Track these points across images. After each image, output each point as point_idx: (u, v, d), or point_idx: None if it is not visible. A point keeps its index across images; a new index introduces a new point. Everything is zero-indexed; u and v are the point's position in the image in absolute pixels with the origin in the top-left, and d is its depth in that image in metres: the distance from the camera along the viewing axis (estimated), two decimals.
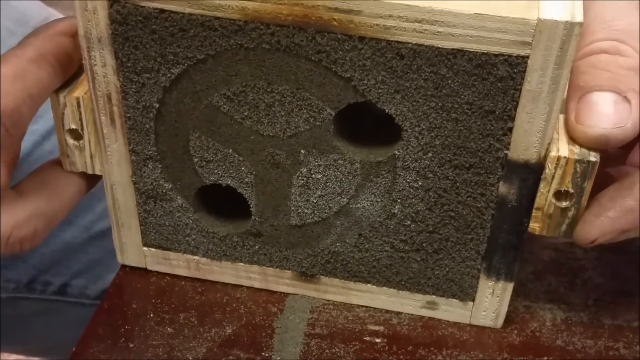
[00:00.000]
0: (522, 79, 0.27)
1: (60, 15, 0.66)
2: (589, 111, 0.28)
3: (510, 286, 0.33)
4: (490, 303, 0.33)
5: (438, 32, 0.26)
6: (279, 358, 0.33)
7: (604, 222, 0.30)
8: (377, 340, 0.34)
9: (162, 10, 0.28)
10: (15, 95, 0.28)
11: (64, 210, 0.33)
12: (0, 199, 0.31)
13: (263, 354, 0.33)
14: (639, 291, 0.36)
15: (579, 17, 0.25)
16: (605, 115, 0.28)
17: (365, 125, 0.31)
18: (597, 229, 0.30)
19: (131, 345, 0.33)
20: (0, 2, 0.54)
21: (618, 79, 0.29)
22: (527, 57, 0.26)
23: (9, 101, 0.27)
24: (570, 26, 0.25)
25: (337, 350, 0.33)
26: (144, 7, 0.28)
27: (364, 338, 0.34)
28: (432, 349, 0.33)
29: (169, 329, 0.34)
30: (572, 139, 0.29)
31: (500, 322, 0.34)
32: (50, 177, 0.33)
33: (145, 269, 0.37)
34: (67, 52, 0.30)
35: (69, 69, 0.30)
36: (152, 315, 0.35)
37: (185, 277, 0.36)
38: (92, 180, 0.34)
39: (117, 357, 0.33)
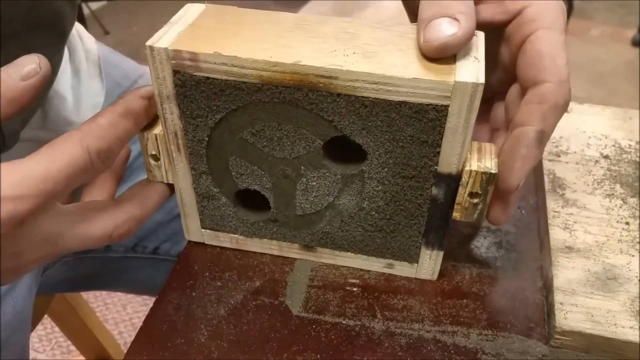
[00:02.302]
0: (445, 120, 0.25)
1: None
2: (430, 32, 0.25)
3: (441, 253, 0.31)
4: (428, 264, 0.32)
5: (389, 90, 0.25)
6: (290, 301, 0.32)
7: (519, 167, 0.27)
8: (355, 289, 0.32)
9: (208, 78, 0.27)
10: (109, 139, 0.26)
11: (150, 213, 0.31)
12: (106, 208, 0.29)
13: (280, 299, 0.32)
14: (531, 255, 0.35)
15: (481, 79, 0.24)
16: (441, 31, 0.25)
17: (345, 149, 0.29)
18: (517, 176, 0.27)
19: (194, 294, 0.32)
20: (111, 65, 0.53)
21: (447, 7, 0.25)
22: (448, 106, 0.25)
23: (105, 143, 0.26)
24: (475, 86, 0.24)
25: (328, 296, 0.32)
26: (196, 75, 0.27)
27: (346, 288, 0.32)
28: (390, 294, 0.32)
29: (218, 282, 0.33)
30: (424, 56, 0.25)
31: (435, 276, 0.33)
32: (140, 191, 0.31)
33: (203, 244, 0.35)
34: (145, 109, 0.28)
35: (145, 120, 0.29)
36: (207, 274, 0.33)
37: (229, 249, 0.35)
38: (172, 188, 0.33)
39: (185, 301, 0.32)
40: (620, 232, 0.33)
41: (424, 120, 0.26)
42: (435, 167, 0.27)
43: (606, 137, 0.41)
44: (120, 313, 1.21)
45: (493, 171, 0.27)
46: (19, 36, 0.32)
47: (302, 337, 0.30)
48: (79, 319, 0.75)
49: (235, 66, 0.26)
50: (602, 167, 0.38)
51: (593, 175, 0.37)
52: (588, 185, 0.36)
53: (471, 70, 0.25)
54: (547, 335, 0.29)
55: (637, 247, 0.32)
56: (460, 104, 0.25)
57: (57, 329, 1.08)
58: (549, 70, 0.27)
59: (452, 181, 0.28)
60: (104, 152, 0.26)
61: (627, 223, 0.34)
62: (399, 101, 0.25)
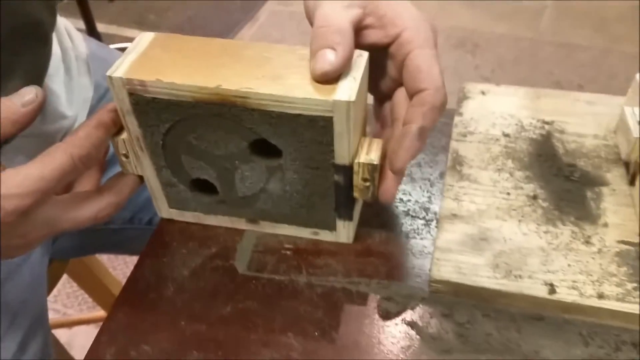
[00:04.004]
0: (332, 127, 0.32)
1: None
2: (315, 62, 0.32)
3: (351, 223, 0.39)
4: (343, 232, 0.40)
5: (288, 105, 0.32)
6: (237, 263, 0.40)
7: (403, 155, 0.33)
8: (288, 252, 0.40)
9: (154, 98, 0.34)
10: (87, 147, 0.33)
11: (125, 198, 0.38)
12: (91, 197, 0.36)
13: (230, 261, 0.40)
14: (432, 221, 0.42)
15: (353, 98, 0.31)
16: (324, 61, 0.31)
17: (269, 147, 0.36)
18: (401, 162, 0.33)
19: (164, 260, 0.41)
20: (99, 60, 0.59)
21: (327, 39, 0.32)
22: (332, 117, 0.32)
23: (84, 150, 0.33)
24: (348, 103, 0.31)
25: (267, 258, 0.40)
26: (145, 96, 0.34)
27: (282, 251, 0.40)
28: (315, 255, 0.40)
29: (183, 250, 0.41)
30: (315, 80, 0.32)
31: (351, 240, 0.40)
32: (116, 182, 0.38)
33: (172, 220, 0.43)
34: (112, 120, 0.35)
35: (114, 128, 0.36)
36: (175, 244, 0.41)
37: (193, 223, 0.42)
38: (142, 178, 0.39)
39: (157, 266, 0.40)
40: (500, 201, 0.41)
41: (317, 127, 0.33)
42: (333, 160, 0.35)
43: (512, 117, 0.48)
44: None
45: (375, 162, 0.35)
46: (6, 43, 0.38)
47: (245, 290, 0.39)
48: (95, 278, 0.86)
49: (173, 89, 0.33)
50: (500, 144, 0.45)
51: (491, 152, 0.45)
52: (483, 161, 0.44)
53: (347, 89, 0.32)
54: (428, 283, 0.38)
55: (511, 213, 0.40)
56: (340, 116, 0.32)
57: None
58: (426, 80, 0.33)
59: (347, 170, 0.35)
60: (85, 157, 0.33)
61: (508, 193, 0.41)
62: (297, 114, 0.33)
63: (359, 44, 0.34)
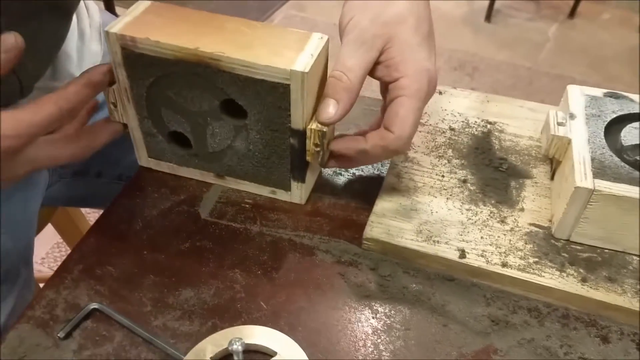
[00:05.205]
0: (289, 93, 0.37)
1: None
2: (321, 109, 0.39)
3: (303, 185, 0.44)
4: (297, 192, 0.45)
5: (252, 71, 0.37)
6: (201, 210, 0.45)
7: (337, 149, 0.40)
8: (247, 205, 0.45)
9: (142, 54, 0.39)
10: (74, 102, 0.37)
11: (102, 144, 0.41)
12: (70, 141, 0.39)
13: (195, 208, 0.45)
14: (375, 193, 0.48)
15: (308, 69, 0.36)
16: (325, 111, 0.38)
17: (238, 108, 0.41)
18: (332, 148, 0.41)
19: (137, 200, 0.46)
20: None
21: (337, 93, 0.38)
22: (289, 84, 0.37)
23: (70, 105, 0.37)
24: (303, 74, 0.36)
25: (228, 209, 0.45)
26: (134, 51, 0.39)
27: (242, 204, 0.45)
28: (270, 210, 0.45)
29: (155, 195, 0.46)
30: (318, 122, 0.39)
31: (303, 201, 0.45)
32: (95, 129, 0.41)
33: (150, 168, 0.48)
34: (102, 81, 0.39)
35: (103, 88, 0.40)
36: (150, 189, 0.47)
37: (167, 173, 0.47)
38: (121, 128, 0.44)
39: (130, 205, 0.45)
40: (435, 181, 0.46)
41: (277, 93, 0.38)
42: (289, 125, 0.40)
43: (460, 115, 0.53)
44: None
45: (325, 130, 0.40)
46: (35, 15, 0.43)
47: (204, 231, 0.44)
48: (78, 231, 0.91)
49: (158, 47, 0.39)
50: (445, 136, 0.51)
51: (436, 142, 0.50)
52: (428, 148, 0.49)
53: (304, 62, 0.37)
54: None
55: (442, 192, 0.45)
56: (296, 84, 0.37)
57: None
58: (397, 126, 0.38)
59: (301, 135, 0.40)
60: (71, 110, 0.37)
61: (443, 176, 0.47)
62: (260, 79, 0.38)
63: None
